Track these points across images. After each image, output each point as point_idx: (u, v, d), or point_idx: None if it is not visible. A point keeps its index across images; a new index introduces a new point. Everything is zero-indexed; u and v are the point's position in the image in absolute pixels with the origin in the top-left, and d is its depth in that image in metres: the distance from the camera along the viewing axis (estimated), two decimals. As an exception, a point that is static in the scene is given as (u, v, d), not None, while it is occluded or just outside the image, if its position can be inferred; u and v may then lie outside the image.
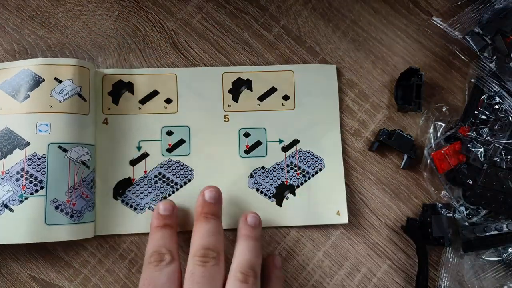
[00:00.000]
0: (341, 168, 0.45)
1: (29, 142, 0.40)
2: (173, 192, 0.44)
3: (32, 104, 0.40)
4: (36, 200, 0.39)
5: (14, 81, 0.41)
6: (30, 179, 0.40)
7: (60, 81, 0.41)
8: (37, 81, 0.41)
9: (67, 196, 0.40)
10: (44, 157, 0.40)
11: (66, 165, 0.41)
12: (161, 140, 0.44)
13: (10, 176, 0.40)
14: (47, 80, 0.41)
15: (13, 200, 0.39)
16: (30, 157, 0.40)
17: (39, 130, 0.40)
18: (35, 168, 0.40)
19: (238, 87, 0.46)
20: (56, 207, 0.40)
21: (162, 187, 0.44)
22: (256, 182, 0.44)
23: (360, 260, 0.45)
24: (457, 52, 0.47)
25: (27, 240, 0.39)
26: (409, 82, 0.45)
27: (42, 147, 0.40)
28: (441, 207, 0.44)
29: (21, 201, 0.39)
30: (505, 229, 0.42)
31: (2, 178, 0.40)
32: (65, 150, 0.41)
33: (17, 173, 0.40)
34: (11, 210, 0.39)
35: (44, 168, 0.40)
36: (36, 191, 0.40)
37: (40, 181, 0.40)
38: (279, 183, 0.44)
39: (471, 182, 0.43)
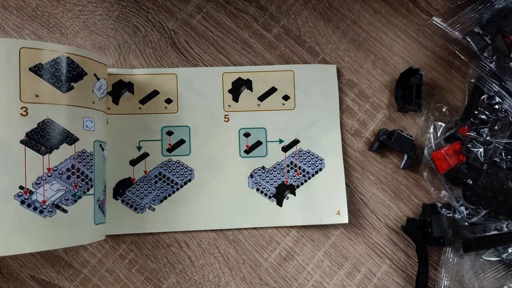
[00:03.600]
0: (341, 168, 0.45)
1: (78, 138, 0.37)
2: (173, 192, 0.44)
3: (77, 96, 0.37)
4: (88, 199, 0.37)
5: (52, 67, 0.36)
6: (82, 177, 0.37)
7: (98, 78, 0.39)
8: (80, 73, 0.38)
9: (103, 195, 0.40)
10: (92, 155, 0.38)
11: (103, 164, 0.40)
12: (161, 140, 0.44)
13: (60, 174, 0.36)
14: (89, 75, 0.38)
15: (65, 199, 0.36)
16: (80, 154, 0.37)
17: (86, 126, 0.38)
18: (85, 165, 0.37)
19: (238, 87, 0.46)
20: (99, 206, 0.39)
21: (162, 187, 0.44)
22: (256, 182, 0.44)
23: (360, 260, 0.45)
24: (457, 52, 0.47)
25: (82, 242, 0.37)
26: (409, 82, 0.46)
27: (89, 144, 0.38)
28: (441, 207, 0.44)
29: (75, 201, 0.36)
30: (505, 229, 0.42)
31: (49, 176, 0.35)
32: (103, 149, 0.40)
33: (68, 170, 0.36)
34: (64, 211, 0.36)
35: (92, 166, 0.38)
36: (88, 189, 0.37)
37: (90, 180, 0.38)
38: (279, 183, 0.44)
39: (471, 182, 0.43)
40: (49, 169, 0.35)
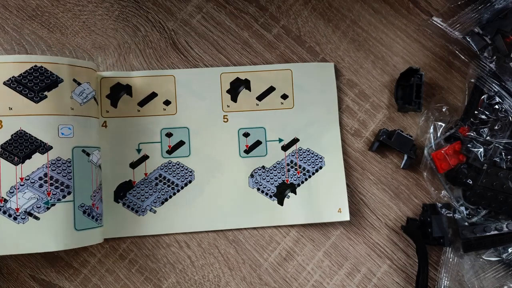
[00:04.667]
0: (341, 165, 0.45)
1: (51, 146, 0.38)
2: (174, 193, 0.44)
3: (50, 105, 0.38)
4: (64, 206, 0.38)
5: (24, 78, 0.37)
6: (56, 184, 0.38)
7: (79, 83, 0.40)
8: (55, 81, 0.38)
9: (92, 200, 0.40)
10: (70, 162, 0.38)
11: (89, 169, 0.40)
12: (161, 142, 0.44)
13: (32, 183, 0.37)
14: (66, 81, 0.39)
15: (37, 207, 0.37)
16: (54, 162, 0.38)
17: (62, 134, 0.38)
18: (60, 173, 0.38)
19: (237, 87, 0.46)
20: (84, 212, 0.39)
21: (163, 189, 0.44)
22: (256, 181, 0.44)
23: (360, 260, 0.45)
24: (457, 52, 0.47)
25: (57, 248, 0.37)
26: (409, 82, 0.45)
27: (66, 151, 0.38)
28: (441, 207, 0.44)
29: (48, 208, 0.37)
30: (505, 229, 0.42)
31: (22, 185, 0.37)
32: (88, 154, 0.40)
33: (40, 179, 0.37)
34: (36, 218, 0.37)
35: (70, 173, 0.38)
36: (64, 196, 0.38)
37: (67, 186, 0.38)
38: (279, 182, 0.44)
39: (471, 182, 0.43)
40: (21, 179, 0.37)
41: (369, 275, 0.44)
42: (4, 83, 0.37)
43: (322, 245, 0.45)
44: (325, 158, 0.45)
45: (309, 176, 0.45)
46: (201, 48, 0.46)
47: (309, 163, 0.45)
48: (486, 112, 0.43)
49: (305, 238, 0.45)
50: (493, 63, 0.44)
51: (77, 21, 0.46)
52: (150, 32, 0.46)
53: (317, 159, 0.45)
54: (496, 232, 0.42)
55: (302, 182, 0.45)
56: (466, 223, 0.43)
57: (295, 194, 0.44)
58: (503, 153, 0.43)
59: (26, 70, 0.38)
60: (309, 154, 0.45)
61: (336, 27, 0.47)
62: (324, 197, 0.44)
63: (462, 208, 0.43)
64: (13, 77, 0.37)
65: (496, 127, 0.43)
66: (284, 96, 0.46)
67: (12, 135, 0.37)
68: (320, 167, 0.45)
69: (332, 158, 0.45)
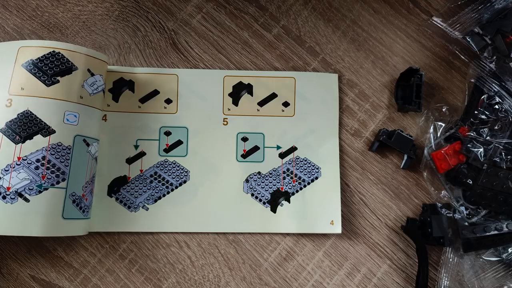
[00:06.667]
0: (337, 177, 0.45)
1: (54, 130, 0.38)
2: (168, 192, 0.44)
3: (61, 90, 0.38)
4: (56, 192, 0.38)
5: (40, 62, 0.38)
6: (52, 169, 0.37)
7: (93, 74, 0.40)
8: (70, 68, 0.39)
9: (83, 190, 0.40)
10: (69, 149, 0.38)
11: (86, 160, 0.40)
12: (159, 140, 0.44)
13: (28, 164, 0.37)
14: (80, 70, 0.39)
15: (29, 189, 0.37)
16: (54, 146, 0.38)
17: (67, 120, 0.38)
18: (58, 158, 0.38)
19: (239, 91, 0.45)
20: (73, 201, 0.39)
21: (157, 187, 0.44)
22: (251, 187, 0.44)
23: (360, 260, 0.45)
24: (457, 52, 0.47)
25: (42, 234, 0.37)
26: (409, 82, 0.45)
27: (68, 138, 0.38)
28: (441, 207, 0.44)
29: (39, 192, 0.37)
30: (505, 229, 0.42)
31: (18, 164, 0.37)
32: (88, 145, 0.40)
33: (37, 161, 0.37)
34: (26, 200, 0.37)
35: (68, 159, 0.38)
36: (58, 182, 0.38)
37: (63, 173, 0.38)
38: (274, 189, 0.44)
39: (471, 182, 0.43)
40: (19, 158, 0.37)
41: (369, 275, 0.44)
42: (22, 65, 0.38)
43: (322, 245, 0.45)
44: (321, 169, 0.45)
45: (304, 186, 0.45)
46: (201, 48, 0.46)
47: (305, 173, 0.45)
48: (486, 112, 0.43)
49: (305, 238, 0.45)
50: (493, 63, 0.44)
51: (77, 21, 0.46)
52: (150, 32, 0.46)
53: (313, 169, 0.45)
54: (496, 232, 0.42)
55: (297, 191, 0.44)
56: (466, 223, 0.43)
57: (289, 202, 0.44)
58: (503, 153, 0.43)
59: (44, 55, 0.38)
60: (306, 164, 0.45)
61: (336, 27, 0.47)
62: (318, 207, 0.44)
63: (462, 208, 0.43)
64: (31, 59, 0.38)
65: (496, 127, 0.43)
66: (286, 104, 0.46)
67: (18, 114, 0.37)
68: (316, 177, 0.45)
69: (328, 169, 0.45)
